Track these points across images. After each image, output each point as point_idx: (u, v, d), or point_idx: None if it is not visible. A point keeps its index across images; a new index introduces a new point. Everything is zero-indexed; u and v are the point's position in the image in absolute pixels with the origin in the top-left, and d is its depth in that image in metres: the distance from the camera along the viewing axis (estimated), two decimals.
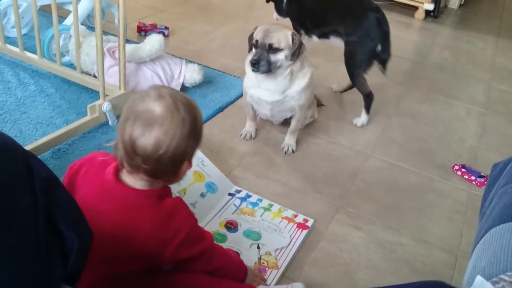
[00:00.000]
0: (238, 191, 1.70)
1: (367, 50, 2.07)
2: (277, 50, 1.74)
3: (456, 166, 2.00)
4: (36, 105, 1.98)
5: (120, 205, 1.03)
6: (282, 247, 1.49)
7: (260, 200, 1.67)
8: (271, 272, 1.40)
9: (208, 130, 2.04)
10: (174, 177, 1.06)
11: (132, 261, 1.05)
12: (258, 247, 1.48)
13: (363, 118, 2.22)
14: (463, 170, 1.98)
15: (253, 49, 1.77)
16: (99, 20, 1.75)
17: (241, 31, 3.16)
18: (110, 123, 1.92)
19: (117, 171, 1.05)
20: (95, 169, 1.08)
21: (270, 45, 1.74)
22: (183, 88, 2.22)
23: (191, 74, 2.19)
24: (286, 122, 2.05)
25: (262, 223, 1.57)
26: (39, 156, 1.65)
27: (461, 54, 3.32)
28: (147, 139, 0.95)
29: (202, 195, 1.58)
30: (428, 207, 1.80)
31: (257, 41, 1.75)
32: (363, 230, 1.64)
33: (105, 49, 2.07)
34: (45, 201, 0.65)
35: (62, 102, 2.04)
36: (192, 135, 1.00)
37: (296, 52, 1.77)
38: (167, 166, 0.99)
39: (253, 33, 1.80)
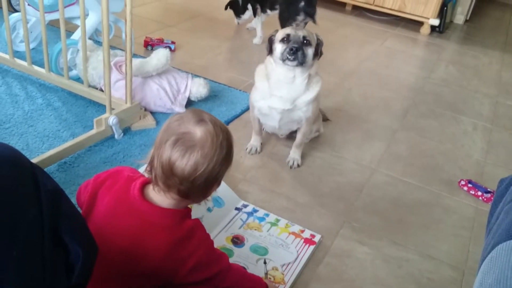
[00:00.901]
0: (245, 206, 1.70)
1: (292, 8, 2.90)
2: (308, 43, 1.78)
3: (462, 181, 1.99)
4: (43, 118, 2.00)
5: (141, 221, 1.04)
6: (289, 263, 1.48)
7: (267, 215, 1.67)
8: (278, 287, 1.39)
9: None
10: (203, 198, 1.09)
11: (146, 278, 1.05)
12: (265, 262, 1.47)
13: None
14: (469, 185, 1.96)
15: (280, 46, 1.78)
16: (107, 34, 1.77)
17: (247, 46, 3.19)
18: (116, 136, 1.92)
19: (143, 188, 1.06)
20: (120, 183, 1.09)
21: (304, 37, 1.77)
22: (189, 102, 2.23)
23: (197, 88, 2.20)
24: (291, 136, 2.06)
25: (269, 238, 1.56)
26: (45, 169, 1.65)
27: (467, 69, 3.32)
28: (187, 161, 0.98)
29: (209, 209, 1.58)
30: (434, 222, 1.79)
31: (288, 35, 1.77)
32: (368, 245, 1.63)
33: (112, 63, 2.09)
34: (50, 214, 0.65)
35: (68, 115, 2.05)
36: (227, 159, 1.04)
37: (319, 51, 1.83)
38: (200, 187, 1.02)
39: (273, 35, 1.82)
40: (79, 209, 1.12)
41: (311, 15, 2.92)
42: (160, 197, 1.04)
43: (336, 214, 1.75)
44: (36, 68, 2.22)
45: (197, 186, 1.00)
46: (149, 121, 2.06)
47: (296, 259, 1.50)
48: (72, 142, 1.79)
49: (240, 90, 2.48)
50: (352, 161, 2.08)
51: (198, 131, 1.00)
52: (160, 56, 2.11)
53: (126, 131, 1.99)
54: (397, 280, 1.52)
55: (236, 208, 1.67)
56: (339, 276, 1.49)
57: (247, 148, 2.03)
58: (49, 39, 2.16)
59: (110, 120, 1.86)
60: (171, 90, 2.15)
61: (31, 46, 2.48)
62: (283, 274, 1.43)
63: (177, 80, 2.19)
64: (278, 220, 1.65)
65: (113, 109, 1.92)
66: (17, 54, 2.34)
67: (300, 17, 2.90)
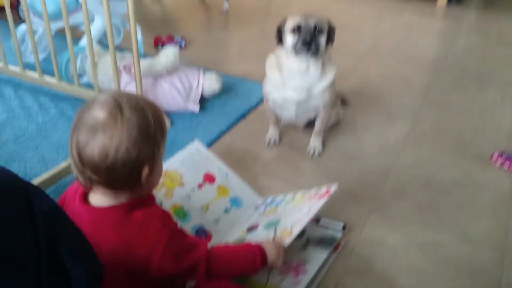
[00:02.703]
0: (265, 200, 1.63)
1: None
2: (320, 32, 1.70)
3: (495, 155, 1.89)
4: (57, 129, 1.97)
5: (88, 228, 0.94)
6: (299, 219, 1.36)
7: (285, 196, 1.59)
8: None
9: (231, 139, 2.00)
10: (138, 186, 0.97)
11: (134, 275, 0.99)
12: (275, 230, 1.38)
13: None
14: (503, 158, 1.86)
15: (291, 38, 1.71)
16: (111, 36, 1.72)
17: (258, 37, 3.11)
18: None
19: (85, 194, 1.00)
20: (71, 197, 1.03)
21: (315, 27, 1.69)
22: (203, 98, 2.18)
23: (209, 83, 2.15)
24: (310, 125, 1.98)
25: (283, 212, 1.47)
26: (62, 180, 1.63)
27: (489, 37, 3.17)
28: (92, 147, 0.89)
29: (226, 210, 1.52)
30: (468, 201, 1.69)
31: (299, 26, 1.70)
32: (400, 232, 1.55)
33: (121, 66, 2.05)
34: (47, 237, 0.60)
35: None
36: (145, 137, 0.92)
37: (331, 37, 1.75)
38: (122, 174, 0.92)
39: (281, 24, 1.75)
40: None
41: None
42: (97, 198, 0.97)
43: (364, 202, 1.68)
44: (47, 78, 2.20)
45: (118, 174, 0.91)
46: None
47: (307, 213, 1.37)
48: None
49: (254, 81, 2.42)
50: (376, 144, 1.99)
51: (101, 113, 0.91)
52: (168, 54, 2.06)
53: None
54: (434, 265, 1.43)
55: (256, 208, 1.61)
56: (371, 266, 1.42)
57: (265, 140, 1.97)
58: (59, 48, 2.14)
59: None
60: (183, 88, 2.10)
61: (42, 56, 2.46)
62: (291, 229, 1.32)
63: (189, 77, 2.13)
64: (294, 196, 1.53)
65: None
66: (29, 66, 2.32)
67: None
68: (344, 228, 1.51)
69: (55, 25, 2.24)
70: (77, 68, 2.24)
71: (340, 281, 1.37)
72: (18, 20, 2.79)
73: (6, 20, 2.12)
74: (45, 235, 0.59)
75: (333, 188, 1.43)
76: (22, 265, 0.55)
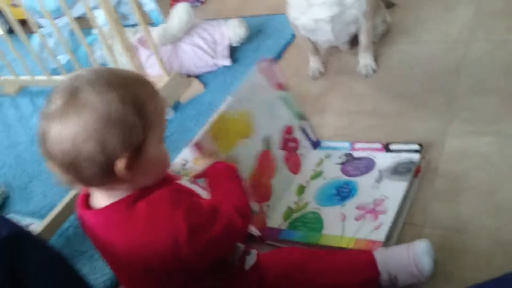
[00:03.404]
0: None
1: None
2: None
3: None
4: None
5: (99, 232, 0.84)
6: None
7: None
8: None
9: None
10: (116, 182, 0.78)
11: (163, 274, 0.85)
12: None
13: None
14: None
15: None
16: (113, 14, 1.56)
17: None
18: (167, 116, 1.74)
19: (85, 197, 0.85)
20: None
21: None
22: (233, 49, 1.97)
23: (233, 31, 1.93)
24: (354, 42, 1.71)
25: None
26: None
27: None
28: (50, 142, 0.74)
29: None
30: None
31: None
32: (489, 134, 1.27)
33: (135, 41, 1.90)
34: (7, 264, 0.47)
35: None
36: (111, 123, 0.73)
37: None
38: (92, 171, 0.75)
39: None
40: None
41: None
42: (94, 198, 0.83)
43: (438, 111, 1.41)
44: None
45: (88, 171, 0.74)
46: (196, 87, 1.84)
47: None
48: None
49: (283, 14, 2.15)
50: (437, 41, 1.68)
51: (56, 100, 0.74)
52: (180, 13, 1.86)
53: (176, 107, 1.80)
54: None
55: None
56: (463, 184, 1.18)
57: (308, 74, 1.74)
58: (78, 45, 2.03)
59: None
60: (207, 44, 1.90)
61: (66, 58, 2.38)
62: None
63: (209, 32, 1.93)
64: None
65: None
66: (55, 71, 2.24)
67: None
68: (421, 147, 1.27)
69: (61, 22, 2.12)
70: (99, 57, 2.13)
71: (430, 211, 1.14)
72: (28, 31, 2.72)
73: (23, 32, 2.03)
74: (5, 259, 0.46)
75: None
76: None
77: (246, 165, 1.20)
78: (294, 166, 1.33)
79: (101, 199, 0.82)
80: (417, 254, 0.97)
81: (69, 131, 0.72)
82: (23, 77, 2.27)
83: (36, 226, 1.41)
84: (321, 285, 0.98)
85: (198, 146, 1.09)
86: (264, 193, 1.25)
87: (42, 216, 1.44)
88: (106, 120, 0.73)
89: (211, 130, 1.14)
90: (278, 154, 1.30)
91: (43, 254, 0.60)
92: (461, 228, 1.08)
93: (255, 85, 1.26)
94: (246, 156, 1.21)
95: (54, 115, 0.73)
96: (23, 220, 1.50)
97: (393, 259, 0.98)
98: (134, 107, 0.75)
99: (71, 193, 1.45)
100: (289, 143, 1.33)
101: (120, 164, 0.75)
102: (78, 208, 0.86)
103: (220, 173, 1.02)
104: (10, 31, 2.63)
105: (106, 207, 0.81)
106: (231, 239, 0.91)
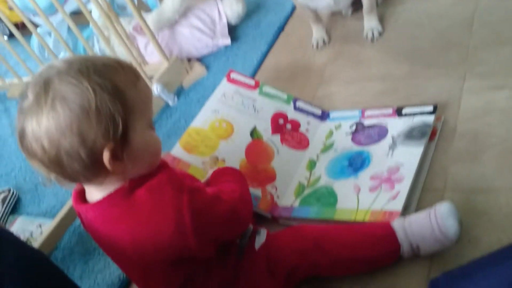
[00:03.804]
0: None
1: None
2: None
3: None
4: None
5: (98, 227, 0.80)
6: None
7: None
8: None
9: (275, 58, 1.72)
10: (105, 175, 0.74)
11: (170, 274, 0.83)
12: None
13: None
14: None
15: None
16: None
17: None
18: (170, 103, 1.69)
19: (80, 192, 0.82)
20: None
21: None
22: (232, 27, 1.90)
23: (231, 8, 1.85)
24: (357, 6, 1.63)
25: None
26: None
27: None
28: (27, 139, 0.70)
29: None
30: None
31: None
32: (508, 87, 1.19)
33: (131, 30, 1.85)
34: None
35: None
36: (84, 113, 0.68)
37: None
38: (75, 166, 0.71)
39: None
40: None
41: None
42: (88, 192, 0.80)
43: (451, 68, 1.32)
44: None
45: (71, 167, 0.70)
46: (198, 71, 1.78)
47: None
48: None
49: None
50: None
51: (29, 95, 0.70)
52: None
53: (179, 92, 1.74)
54: None
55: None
56: (483, 143, 1.10)
57: (313, 45, 1.66)
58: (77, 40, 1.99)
59: (154, 90, 1.63)
60: (205, 25, 1.84)
61: (67, 55, 2.34)
62: None
63: (206, 11, 1.86)
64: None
65: (151, 77, 1.68)
66: None
67: None
68: (435, 108, 1.19)
69: (56, 19, 2.08)
70: (99, 50, 2.09)
71: (450, 173, 1.07)
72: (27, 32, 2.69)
73: (22, 35, 2.00)
74: None
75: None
76: None
77: (234, 158, 1.22)
78: (299, 143, 1.28)
79: (95, 193, 0.78)
80: (440, 217, 0.88)
81: (44, 126, 0.68)
82: (26, 78, 2.24)
83: (48, 225, 1.39)
84: (338, 260, 0.93)
85: (175, 161, 1.19)
86: (265, 177, 1.21)
87: (54, 215, 1.42)
88: (81, 111, 0.68)
89: (181, 144, 1.26)
90: (273, 139, 1.27)
91: (26, 258, 0.56)
92: (484, 189, 1.01)
93: (226, 93, 1.32)
94: (232, 152, 1.22)
95: (28, 111, 0.69)
96: (34, 221, 1.49)
97: (413, 228, 0.91)
98: (111, 95, 0.70)
99: None
100: (285, 127, 1.30)
101: (105, 156, 0.71)
102: (73, 203, 0.82)
103: (221, 171, 1.03)
104: (12, 35, 2.61)
105: (102, 201, 0.77)
106: (236, 224, 0.88)
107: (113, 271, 1.24)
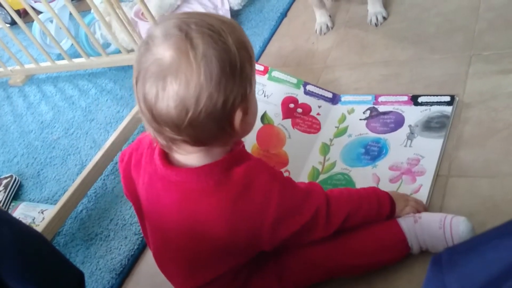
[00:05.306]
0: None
1: None
2: None
3: None
4: (101, 107, 1.83)
5: (179, 193, 0.77)
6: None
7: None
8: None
9: (279, 44, 1.70)
10: (229, 137, 0.75)
11: (227, 256, 0.80)
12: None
13: None
14: None
15: None
16: None
17: None
18: None
19: (165, 152, 0.79)
20: (145, 155, 0.83)
21: None
22: (234, 13, 1.88)
23: None
24: None
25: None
26: (122, 148, 1.49)
27: None
28: (165, 102, 0.66)
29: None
30: None
31: None
32: None
33: (132, 16, 1.83)
34: None
35: (123, 91, 1.86)
36: (230, 73, 0.67)
37: None
38: (211, 127, 0.69)
39: None
40: None
41: None
42: (183, 156, 0.75)
43: (457, 51, 1.30)
44: (76, 61, 2.05)
45: (207, 128, 0.69)
46: None
47: None
48: (131, 114, 1.59)
49: None
50: None
51: (166, 52, 0.65)
52: None
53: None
54: None
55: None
56: (490, 128, 1.08)
57: (316, 30, 1.64)
58: (79, 26, 1.97)
59: None
60: (207, 10, 1.82)
61: (69, 43, 2.33)
62: None
63: None
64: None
65: None
66: (60, 57, 2.19)
67: None
68: (452, 99, 1.16)
69: (57, 5, 2.06)
70: (101, 36, 2.07)
71: (456, 159, 1.06)
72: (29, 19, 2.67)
73: (24, 22, 1.98)
74: None
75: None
76: None
77: (246, 144, 1.21)
78: (311, 127, 1.26)
79: (190, 159, 0.75)
80: (456, 235, 0.86)
81: (192, 87, 0.65)
82: (28, 66, 2.23)
83: (50, 211, 1.39)
84: (349, 269, 0.91)
85: None
86: (277, 162, 1.20)
87: (57, 202, 1.41)
88: (227, 70, 0.67)
89: None
90: (284, 123, 1.26)
91: (27, 239, 0.55)
92: (491, 174, 1.00)
93: None
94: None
95: (168, 71, 0.65)
96: (37, 207, 1.48)
97: (425, 237, 0.88)
98: (245, 52, 0.70)
99: (82, 176, 1.42)
100: (296, 111, 1.28)
101: (238, 117, 0.71)
102: (152, 163, 0.79)
103: (374, 195, 0.93)
104: (14, 22, 2.59)
105: (199, 168, 0.74)
106: (310, 232, 0.82)
107: (114, 256, 1.23)
